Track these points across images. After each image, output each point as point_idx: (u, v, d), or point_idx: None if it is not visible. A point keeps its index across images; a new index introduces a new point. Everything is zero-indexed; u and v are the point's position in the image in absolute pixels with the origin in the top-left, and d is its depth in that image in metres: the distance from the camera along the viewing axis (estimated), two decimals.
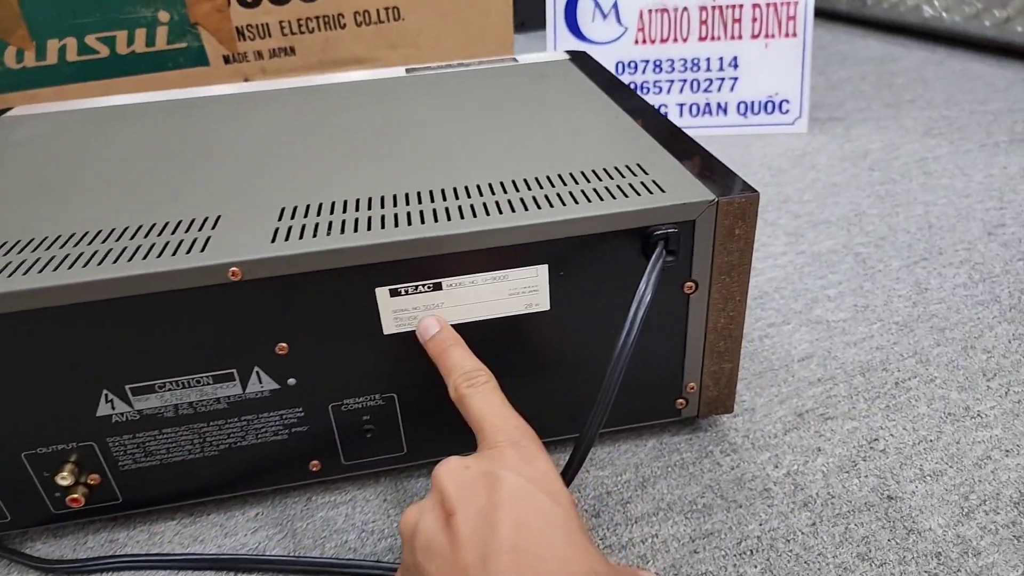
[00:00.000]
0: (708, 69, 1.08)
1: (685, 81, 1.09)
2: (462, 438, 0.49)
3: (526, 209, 0.43)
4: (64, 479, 0.44)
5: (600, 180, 0.46)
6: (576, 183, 0.46)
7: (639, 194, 0.44)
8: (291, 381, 0.45)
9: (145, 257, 0.41)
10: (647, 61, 1.09)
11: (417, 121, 0.59)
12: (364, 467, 0.49)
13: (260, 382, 0.44)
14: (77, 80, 0.90)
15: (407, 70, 0.74)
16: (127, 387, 0.43)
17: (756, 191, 0.44)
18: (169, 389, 0.43)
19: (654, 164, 0.48)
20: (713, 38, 1.07)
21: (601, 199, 0.44)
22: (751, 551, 0.44)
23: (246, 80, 0.95)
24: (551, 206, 0.43)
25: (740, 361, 0.50)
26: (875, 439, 0.52)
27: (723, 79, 1.08)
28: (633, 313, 0.40)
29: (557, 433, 0.51)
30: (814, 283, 0.70)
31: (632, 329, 0.39)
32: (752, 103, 1.08)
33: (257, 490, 0.50)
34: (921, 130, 1.04)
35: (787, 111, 1.07)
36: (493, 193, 0.45)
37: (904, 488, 0.48)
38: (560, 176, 0.47)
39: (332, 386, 0.45)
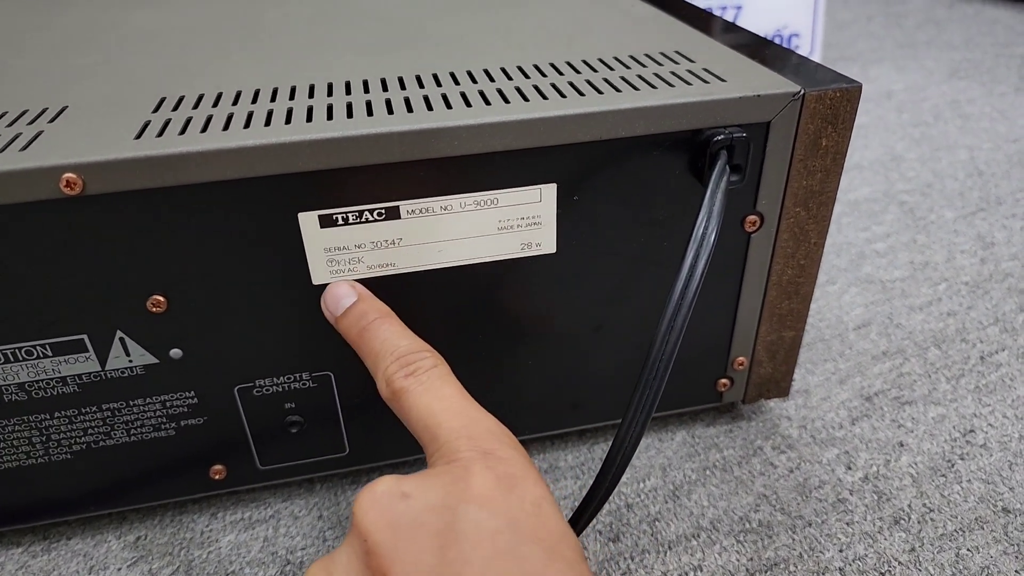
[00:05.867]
0: None
1: None
2: None
3: (525, 100, 0.29)
4: None
5: (629, 68, 0.32)
6: (595, 71, 0.32)
7: (689, 84, 0.30)
8: (175, 352, 0.30)
9: None
10: None
11: (372, 3, 0.44)
12: (290, 473, 0.35)
13: (127, 354, 0.30)
14: None
15: None
16: None
17: (857, 82, 0.30)
18: None
19: (699, 51, 0.35)
20: None
21: (636, 88, 0.30)
22: None
23: None
24: (563, 97, 0.29)
25: (805, 329, 0.37)
26: (970, 430, 0.39)
27: (725, 8, 0.94)
28: (693, 255, 0.26)
29: (554, 426, 0.37)
30: (856, 235, 0.58)
31: (692, 280, 0.26)
32: None
33: (137, 506, 0.35)
34: (945, 72, 0.92)
35: (797, 47, 0.94)
36: (475, 82, 0.31)
37: (1022, 498, 0.36)
38: (570, 64, 0.33)
39: (238, 360, 0.31)
